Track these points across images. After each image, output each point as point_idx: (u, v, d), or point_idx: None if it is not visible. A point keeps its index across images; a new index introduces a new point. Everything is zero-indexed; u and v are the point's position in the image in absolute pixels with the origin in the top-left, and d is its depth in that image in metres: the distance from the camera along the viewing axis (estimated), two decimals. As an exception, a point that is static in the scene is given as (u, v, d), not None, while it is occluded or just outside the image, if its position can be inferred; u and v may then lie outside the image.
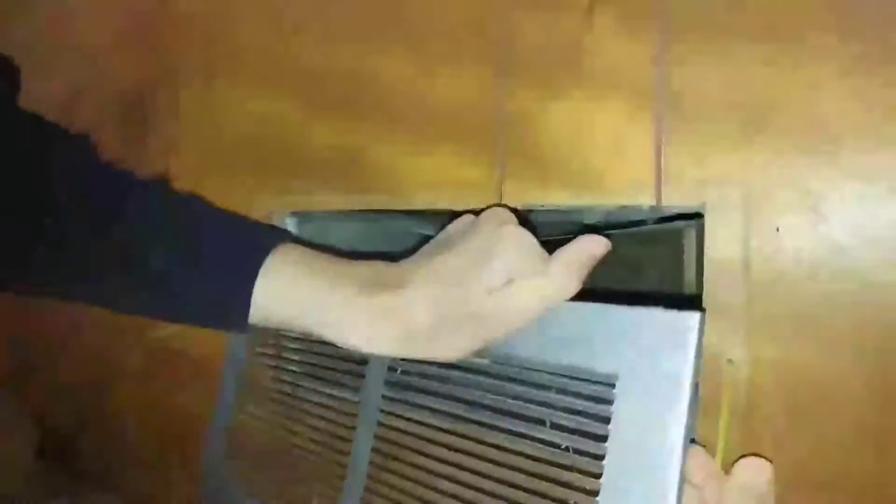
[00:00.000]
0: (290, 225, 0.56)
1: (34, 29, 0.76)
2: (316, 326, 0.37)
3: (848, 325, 0.34)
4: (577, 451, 0.33)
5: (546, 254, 0.36)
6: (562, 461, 0.34)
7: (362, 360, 0.46)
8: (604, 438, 0.32)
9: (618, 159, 0.40)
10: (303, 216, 0.56)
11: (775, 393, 0.36)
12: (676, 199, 0.38)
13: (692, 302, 0.33)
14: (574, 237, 0.37)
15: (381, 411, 0.43)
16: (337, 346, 0.37)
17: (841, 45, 0.34)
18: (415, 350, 0.36)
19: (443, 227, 0.43)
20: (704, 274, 0.37)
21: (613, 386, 0.33)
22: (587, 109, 0.41)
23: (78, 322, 0.77)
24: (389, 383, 0.43)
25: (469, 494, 0.37)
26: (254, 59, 0.57)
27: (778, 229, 0.35)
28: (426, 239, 0.43)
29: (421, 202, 0.48)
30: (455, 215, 0.44)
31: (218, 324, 0.39)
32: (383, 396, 0.43)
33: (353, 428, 0.45)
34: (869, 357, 0.34)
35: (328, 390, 0.47)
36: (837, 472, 0.35)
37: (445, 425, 0.39)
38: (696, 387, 0.31)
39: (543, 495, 0.34)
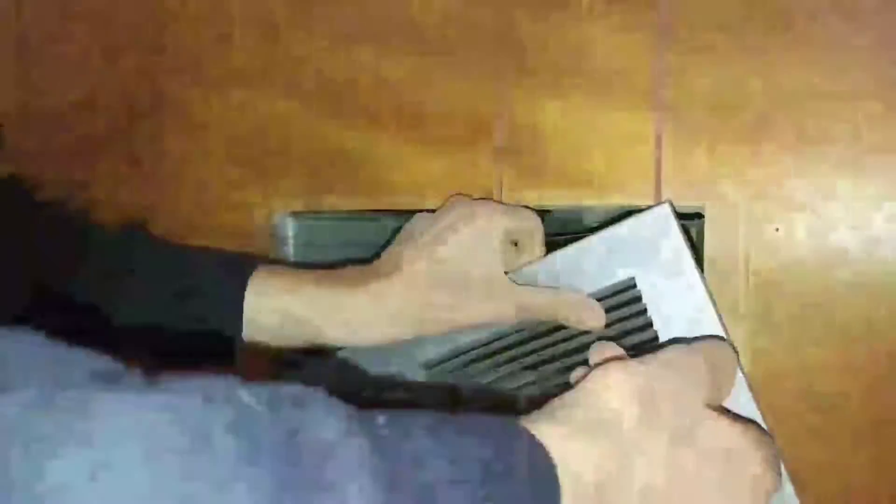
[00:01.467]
0: (290, 225, 0.56)
1: (27, 36, 0.76)
2: (308, 332, 0.38)
3: (847, 323, 0.34)
4: (634, 347, 0.36)
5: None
6: None
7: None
8: (649, 324, 0.36)
9: (618, 159, 0.40)
10: (303, 216, 0.56)
11: (774, 392, 0.36)
12: (676, 199, 0.38)
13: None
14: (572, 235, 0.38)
15: None
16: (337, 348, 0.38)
17: (841, 46, 0.34)
18: (408, 331, 0.38)
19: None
20: (704, 273, 0.37)
21: (634, 285, 0.37)
22: (587, 109, 0.41)
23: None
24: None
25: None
26: (253, 60, 0.57)
27: (777, 229, 0.36)
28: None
29: (420, 202, 0.48)
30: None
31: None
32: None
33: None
34: (868, 355, 0.34)
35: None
36: (836, 469, 0.35)
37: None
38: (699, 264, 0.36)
39: None
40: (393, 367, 0.46)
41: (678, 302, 0.35)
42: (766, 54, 0.36)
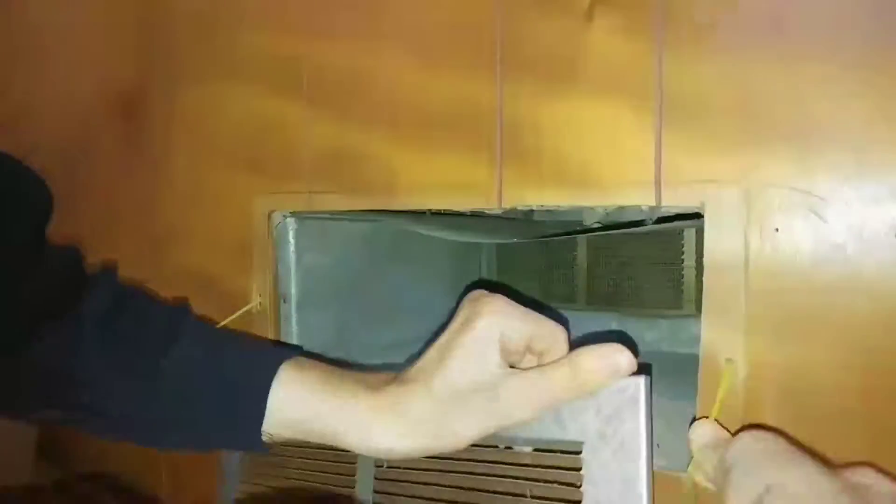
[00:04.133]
0: (290, 225, 0.56)
1: (25, 31, 0.76)
2: (328, 430, 0.38)
3: (846, 325, 0.34)
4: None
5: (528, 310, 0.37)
6: None
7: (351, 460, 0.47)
8: (578, 501, 0.36)
9: (617, 159, 0.40)
10: (303, 216, 0.56)
11: (773, 392, 0.36)
12: (676, 199, 0.38)
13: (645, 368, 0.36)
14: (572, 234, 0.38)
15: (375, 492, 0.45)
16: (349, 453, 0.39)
17: (841, 45, 0.34)
18: (424, 444, 0.36)
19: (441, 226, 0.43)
20: (704, 274, 0.37)
21: (580, 452, 0.36)
22: (587, 109, 0.41)
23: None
24: (378, 479, 0.45)
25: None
26: (252, 59, 0.57)
27: (777, 229, 0.36)
28: (425, 239, 0.43)
29: (420, 202, 0.48)
30: (455, 215, 0.44)
31: (233, 440, 0.41)
32: (375, 491, 0.45)
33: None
34: (867, 357, 0.34)
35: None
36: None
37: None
38: (652, 442, 0.35)
39: None
40: None
41: (616, 487, 0.34)
42: (766, 55, 0.36)
